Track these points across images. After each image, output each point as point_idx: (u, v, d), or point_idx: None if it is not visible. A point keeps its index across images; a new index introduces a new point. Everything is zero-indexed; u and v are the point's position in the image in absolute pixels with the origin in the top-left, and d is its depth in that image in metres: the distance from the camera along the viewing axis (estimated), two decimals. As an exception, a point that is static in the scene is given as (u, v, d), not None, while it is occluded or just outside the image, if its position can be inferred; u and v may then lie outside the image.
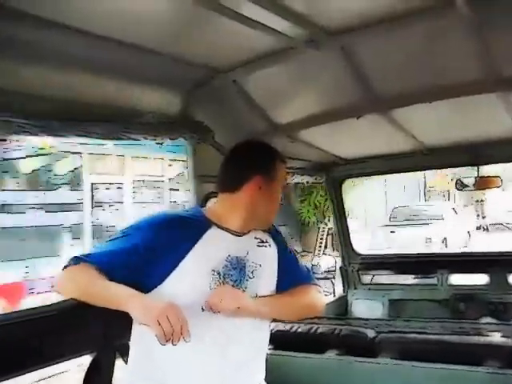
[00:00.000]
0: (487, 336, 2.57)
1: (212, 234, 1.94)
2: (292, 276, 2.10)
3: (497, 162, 4.77)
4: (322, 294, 2.18)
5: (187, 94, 2.55)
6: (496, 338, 2.55)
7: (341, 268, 4.69)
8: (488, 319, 3.82)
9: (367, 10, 1.99)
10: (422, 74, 2.47)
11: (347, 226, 4.61)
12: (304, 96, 2.80)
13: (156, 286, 1.81)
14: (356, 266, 4.56)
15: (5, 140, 1.98)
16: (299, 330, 2.75)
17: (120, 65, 2.13)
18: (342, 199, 4.54)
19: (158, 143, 2.45)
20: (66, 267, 1.86)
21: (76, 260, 1.85)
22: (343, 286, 4.66)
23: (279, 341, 2.18)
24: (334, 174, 4.31)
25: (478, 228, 20.92)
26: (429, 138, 3.54)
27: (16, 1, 1.61)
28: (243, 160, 2.03)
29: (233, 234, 1.98)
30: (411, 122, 3.14)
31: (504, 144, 3.51)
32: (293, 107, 2.90)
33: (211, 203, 2.15)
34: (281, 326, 2.64)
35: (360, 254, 4.62)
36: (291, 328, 2.76)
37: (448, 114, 2.99)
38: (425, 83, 2.55)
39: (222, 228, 1.97)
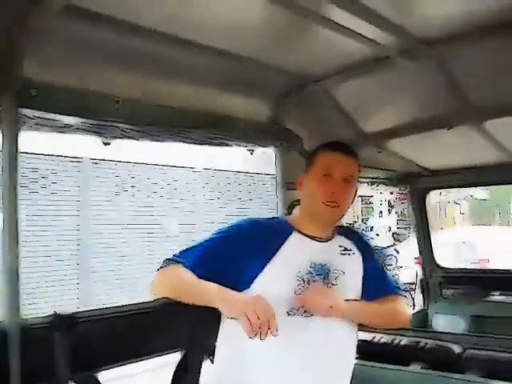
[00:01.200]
0: None
1: (294, 239, 1.96)
2: (378, 285, 2.08)
3: None
4: (410, 307, 2.15)
5: (278, 102, 2.59)
6: None
7: (421, 280, 4.59)
8: None
9: (464, 19, 1.95)
10: None
11: (430, 238, 4.50)
12: (394, 106, 2.78)
13: (242, 291, 1.85)
14: (438, 279, 4.45)
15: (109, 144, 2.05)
16: (383, 340, 2.73)
17: (214, 72, 2.19)
18: (425, 211, 4.45)
19: (249, 150, 2.50)
20: (159, 269, 1.94)
21: (168, 262, 1.92)
22: (423, 300, 4.55)
23: (363, 350, 2.16)
24: (419, 184, 4.22)
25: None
26: None
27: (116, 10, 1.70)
28: None
29: (315, 240, 1.99)
30: (503, 134, 3.05)
31: None
32: (382, 117, 2.88)
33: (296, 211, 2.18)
34: (365, 336, 2.62)
35: (443, 267, 4.51)
36: (374, 338, 2.74)
37: None
38: None
39: (303, 234, 1.99)
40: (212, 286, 1.78)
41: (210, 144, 2.26)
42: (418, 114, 2.79)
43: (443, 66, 2.30)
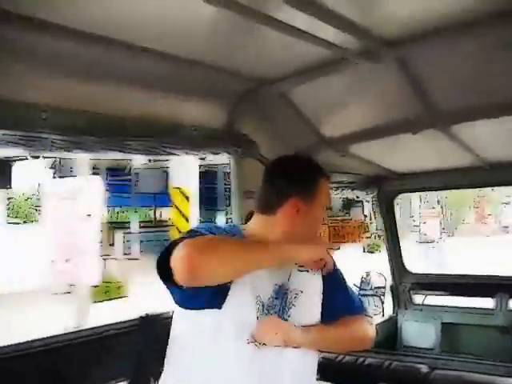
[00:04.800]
0: None
1: None
2: (340, 305, 1.93)
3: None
4: (373, 326, 2.01)
5: (232, 107, 2.44)
6: None
7: (391, 286, 4.48)
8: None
9: (426, 19, 1.82)
10: (484, 87, 2.28)
11: (399, 243, 4.40)
12: (357, 109, 2.64)
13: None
14: (407, 286, 4.34)
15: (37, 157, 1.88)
16: (346, 359, 2.60)
17: (162, 77, 2.03)
18: (393, 215, 4.35)
19: (200, 158, 2.34)
20: (176, 244, 1.52)
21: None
22: (393, 306, 4.45)
23: (325, 370, 2.02)
24: (386, 188, 4.11)
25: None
26: (490, 154, 3.32)
27: (48, 13, 1.52)
28: (280, 179, 1.81)
29: None
30: (471, 137, 2.94)
31: None
32: (344, 120, 2.75)
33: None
34: (327, 355, 2.48)
35: (412, 273, 4.40)
36: (337, 357, 2.60)
37: None
38: (487, 97, 2.35)
39: None
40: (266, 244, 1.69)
41: (154, 154, 2.08)
42: (382, 118, 2.66)
43: (406, 68, 2.16)
